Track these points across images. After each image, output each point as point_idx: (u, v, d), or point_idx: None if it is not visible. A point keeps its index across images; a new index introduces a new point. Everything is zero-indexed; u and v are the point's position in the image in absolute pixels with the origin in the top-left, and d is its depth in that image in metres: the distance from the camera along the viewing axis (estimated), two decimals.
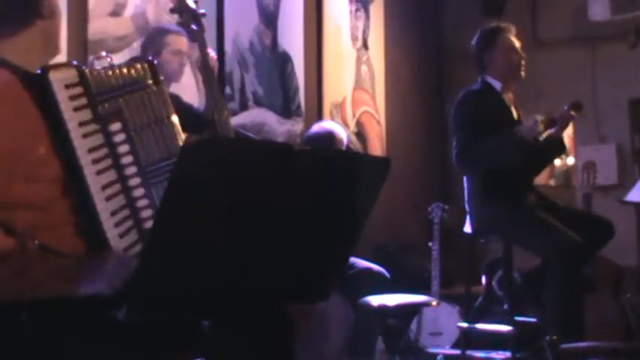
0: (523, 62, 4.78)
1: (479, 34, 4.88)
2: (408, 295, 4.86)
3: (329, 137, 4.92)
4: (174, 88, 3.86)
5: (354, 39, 6.74)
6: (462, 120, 4.66)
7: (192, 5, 3.39)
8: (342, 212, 1.97)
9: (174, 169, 1.77)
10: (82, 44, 4.41)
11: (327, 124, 5.28)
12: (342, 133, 5.02)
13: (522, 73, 4.80)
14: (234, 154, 1.76)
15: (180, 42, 4.05)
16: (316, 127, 5.20)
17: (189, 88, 3.79)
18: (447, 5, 7.80)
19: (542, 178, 7.04)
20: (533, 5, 7.26)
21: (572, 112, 4.65)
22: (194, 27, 3.47)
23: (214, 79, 3.49)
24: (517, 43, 4.80)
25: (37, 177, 2.00)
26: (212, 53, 3.65)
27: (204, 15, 3.61)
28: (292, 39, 6.08)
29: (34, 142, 2.01)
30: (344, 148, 4.99)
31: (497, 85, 4.77)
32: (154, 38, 4.16)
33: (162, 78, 2.22)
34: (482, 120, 4.59)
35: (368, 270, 4.84)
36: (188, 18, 3.42)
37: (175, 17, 3.49)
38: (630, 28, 6.64)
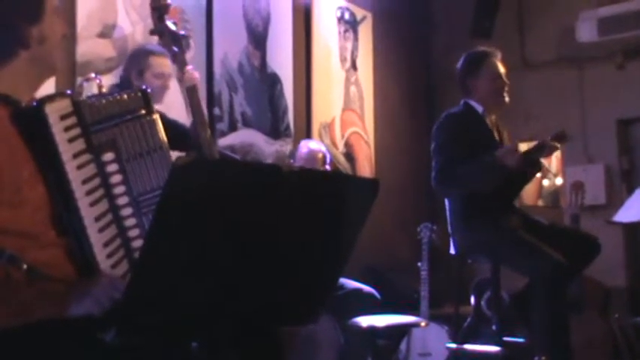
0: (507, 88, 4.74)
1: (463, 58, 4.84)
2: (397, 315, 4.86)
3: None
4: (159, 108, 3.85)
5: (343, 60, 6.75)
6: (441, 143, 4.62)
7: (173, 27, 3.40)
8: (332, 233, 1.97)
9: (163, 191, 1.77)
10: (70, 66, 4.41)
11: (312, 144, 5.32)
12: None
13: (506, 99, 4.75)
14: (223, 176, 1.76)
15: (163, 64, 4.02)
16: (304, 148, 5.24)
17: (175, 108, 3.78)
18: (436, 26, 7.83)
19: (530, 199, 7.08)
20: (521, 27, 7.30)
21: (556, 144, 4.57)
22: (175, 48, 3.48)
23: (197, 98, 3.50)
24: (502, 69, 4.76)
25: (22, 203, 1.98)
26: (195, 74, 3.63)
27: (184, 36, 3.62)
28: (281, 60, 6.09)
29: (16, 168, 2.00)
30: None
31: (479, 108, 4.74)
32: (137, 59, 4.13)
33: (155, 107, 2.23)
34: (461, 143, 4.56)
35: (358, 290, 4.85)
36: (168, 40, 3.43)
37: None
38: (617, 49, 6.71)
